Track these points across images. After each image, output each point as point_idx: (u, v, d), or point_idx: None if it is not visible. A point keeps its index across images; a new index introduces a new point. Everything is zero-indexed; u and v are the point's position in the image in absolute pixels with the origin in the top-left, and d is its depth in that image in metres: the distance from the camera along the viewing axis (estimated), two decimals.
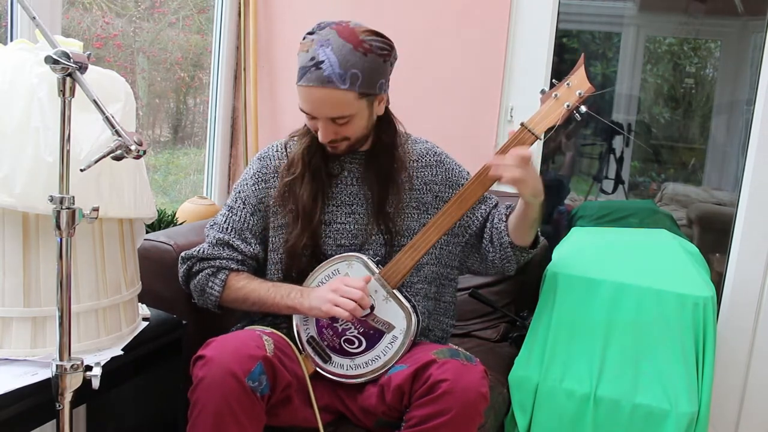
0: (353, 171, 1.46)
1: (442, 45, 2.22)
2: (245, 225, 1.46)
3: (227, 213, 1.48)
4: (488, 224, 1.51)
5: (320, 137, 1.36)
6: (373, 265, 1.38)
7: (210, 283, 1.44)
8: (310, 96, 1.31)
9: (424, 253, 1.38)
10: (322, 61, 1.28)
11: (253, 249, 1.46)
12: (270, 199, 1.46)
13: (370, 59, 1.30)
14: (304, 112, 1.35)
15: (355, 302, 1.29)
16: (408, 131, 1.57)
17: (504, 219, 1.49)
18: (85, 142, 1.16)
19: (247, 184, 1.48)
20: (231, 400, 1.18)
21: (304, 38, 1.33)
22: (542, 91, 1.35)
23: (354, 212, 1.46)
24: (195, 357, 1.24)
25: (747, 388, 2.14)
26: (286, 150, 1.48)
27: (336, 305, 1.29)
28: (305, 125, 1.45)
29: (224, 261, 1.45)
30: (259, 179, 1.47)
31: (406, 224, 1.47)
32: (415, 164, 1.50)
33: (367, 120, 1.38)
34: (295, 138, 1.48)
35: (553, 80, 1.36)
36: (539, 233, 1.49)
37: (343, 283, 1.32)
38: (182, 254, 1.49)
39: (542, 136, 1.34)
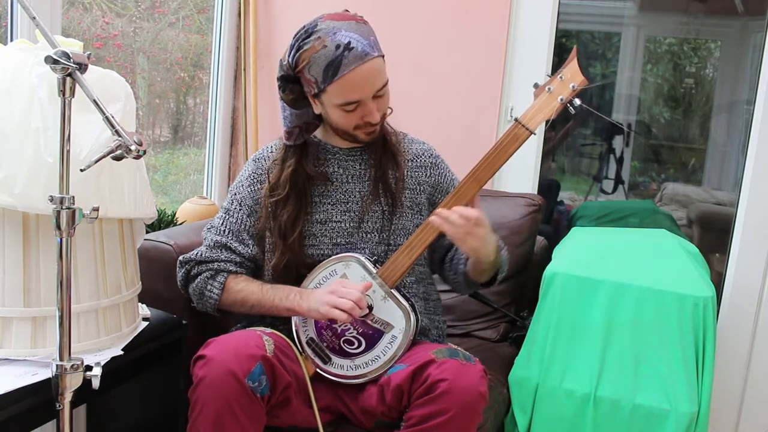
0: (349, 168, 1.47)
1: (442, 45, 2.22)
2: (242, 227, 1.46)
3: (224, 215, 1.48)
4: (454, 245, 1.52)
5: (374, 118, 1.36)
6: (370, 265, 1.38)
7: (209, 286, 1.44)
8: (358, 77, 1.31)
9: (421, 252, 1.38)
10: (349, 42, 1.29)
11: (251, 250, 1.46)
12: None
13: (368, 26, 1.36)
14: (350, 103, 1.33)
15: (353, 302, 1.29)
16: (408, 131, 1.57)
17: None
18: (85, 142, 1.16)
19: (242, 185, 1.48)
20: (231, 400, 1.18)
21: (303, 45, 1.31)
22: (535, 85, 1.34)
23: (349, 210, 1.46)
24: (195, 357, 1.24)
25: (747, 388, 2.14)
26: (268, 174, 1.46)
27: (334, 307, 1.29)
28: (283, 147, 1.44)
29: (222, 263, 1.44)
30: (255, 180, 1.47)
31: (401, 223, 1.47)
32: (410, 164, 1.51)
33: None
34: (276, 162, 1.46)
35: (547, 74, 1.35)
36: (498, 274, 1.49)
37: (341, 285, 1.32)
38: (180, 258, 1.49)
39: (536, 131, 1.33)
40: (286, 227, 1.41)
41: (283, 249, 1.42)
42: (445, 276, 1.58)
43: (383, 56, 1.35)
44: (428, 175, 1.52)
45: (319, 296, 1.33)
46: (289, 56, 1.34)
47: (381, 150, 1.47)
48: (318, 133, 1.49)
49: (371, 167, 1.47)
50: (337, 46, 1.28)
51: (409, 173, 1.50)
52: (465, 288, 1.54)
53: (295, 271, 1.43)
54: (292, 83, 1.38)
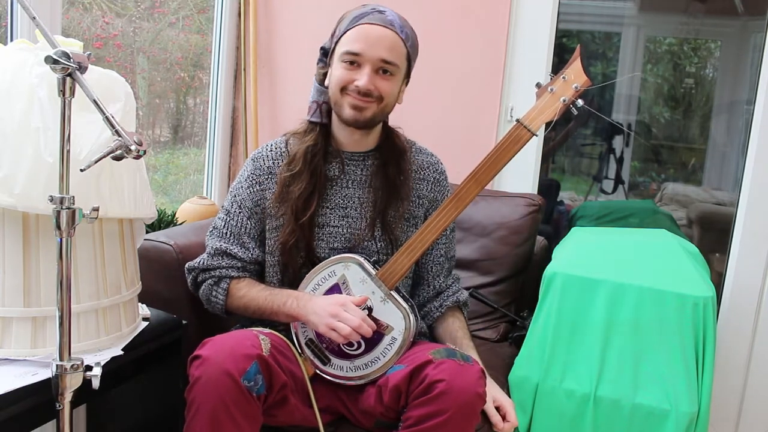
0: (350, 173, 1.46)
1: (442, 45, 2.22)
2: (243, 230, 1.46)
3: (225, 217, 1.48)
4: (436, 301, 1.54)
5: (363, 81, 1.34)
6: (369, 267, 1.38)
7: (213, 293, 1.46)
8: (370, 33, 1.34)
9: (421, 254, 1.37)
10: (384, 11, 1.36)
11: (251, 254, 1.46)
12: (266, 201, 1.46)
13: (414, 35, 1.41)
14: (352, 53, 1.34)
15: (351, 329, 1.28)
16: (408, 130, 1.56)
17: (442, 309, 1.52)
18: (85, 142, 1.16)
19: (242, 186, 1.48)
20: (227, 399, 1.18)
21: (350, 10, 1.40)
22: (538, 85, 1.32)
23: (347, 215, 1.45)
24: (191, 357, 1.24)
25: (747, 388, 2.14)
26: (287, 147, 1.48)
27: (332, 329, 1.29)
28: (307, 122, 1.46)
29: (224, 270, 1.46)
30: (254, 182, 1.47)
31: (395, 236, 1.47)
32: (414, 175, 1.50)
33: (397, 94, 1.42)
34: (297, 135, 1.48)
35: (550, 74, 1.34)
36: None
37: (343, 308, 1.30)
38: (186, 266, 1.51)
39: (538, 133, 1.32)
40: (297, 205, 1.41)
41: (293, 227, 1.41)
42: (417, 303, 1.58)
43: (408, 52, 1.38)
44: (429, 189, 1.52)
45: (320, 313, 1.31)
46: (336, 25, 1.41)
47: (382, 179, 1.45)
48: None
49: (372, 175, 1.46)
50: (373, 8, 1.36)
51: (411, 185, 1.49)
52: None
53: (304, 254, 1.43)
54: (326, 57, 1.43)
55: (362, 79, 1.34)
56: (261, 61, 2.41)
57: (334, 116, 1.45)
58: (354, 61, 1.35)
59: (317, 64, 1.45)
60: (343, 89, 1.36)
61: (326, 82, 1.42)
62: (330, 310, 1.30)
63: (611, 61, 3.51)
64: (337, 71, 1.37)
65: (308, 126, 1.47)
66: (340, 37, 1.37)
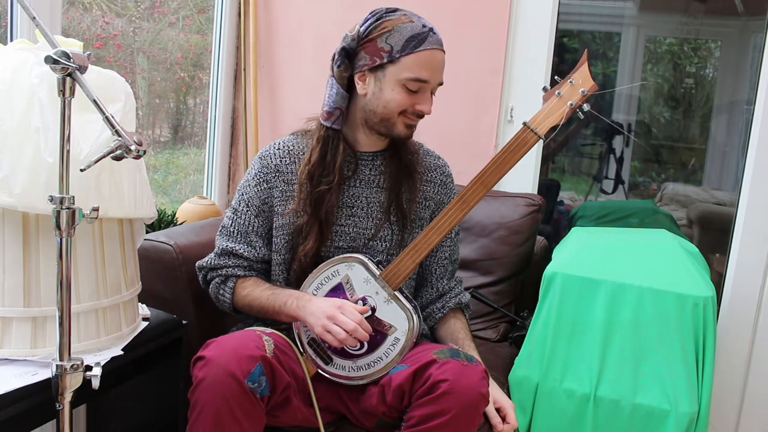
0: (359, 173, 1.46)
1: None
2: (250, 228, 1.46)
3: (232, 216, 1.48)
4: (438, 302, 1.53)
5: (428, 108, 1.38)
6: (373, 267, 1.37)
7: (221, 291, 1.47)
8: (434, 59, 1.35)
9: (425, 255, 1.37)
10: (433, 28, 1.36)
11: (258, 252, 1.47)
12: (273, 199, 1.46)
13: None
14: (421, 81, 1.34)
15: (346, 334, 1.27)
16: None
17: (444, 311, 1.52)
18: (85, 142, 1.16)
19: (249, 185, 1.48)
20: (231, 401, 1.18)
21: (387, 17, 1.34)
22: (545, 89, 1.32)
23: (354, 214, 1.45)
24: (195, 358, 1.24)
25: (747, 388, 2.14)
26: (302, 148, 1.45)
27: (328, 331, 1.29)
28: (324, 128, 1.42)
29: (231, 269, 1.46)
30: (261, 180, 1.47)
31: (401, 236, 1.46)
32: (421, 177, 1.50)
33: None
34: (313, 137, 1.44)
35: (556, 77, 1.34)
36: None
37: (340, 311, 1.30)
38: (196, 264, 1.52)
39: (545, 136, 1.32)
40: (331, 214, 1.42)
41: (321, 233, 1.41)
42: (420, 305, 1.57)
43: None
44: (436, 191, 1.52)
45: (317, 314, 1.31)
46: (360, 27, 1.36)
47: (397, 164, 1.45)
48: None
49: (381, 174, 1.46)
50: (423, 26, 1.35)
51: (418, 186, 1.49)
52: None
53: (309, 258, 1.42)
54: (348, 59, 1.38)
55: (426, 105, 1.38)
56: (261, 61, 2.41)
57: (353, 120, 1.43)
58: (418, 88, 1.35)
59: (338, 66, 1.37)
60: (402, 112, 1.37)
61: (365, 94, 1.38)
62: (327, 312, 1.30)
63: (611, 61, 3.51)
64: (399, 95, 1.35)
65: (330, 132, 1.42)
66: (398, 57, 1.32)
